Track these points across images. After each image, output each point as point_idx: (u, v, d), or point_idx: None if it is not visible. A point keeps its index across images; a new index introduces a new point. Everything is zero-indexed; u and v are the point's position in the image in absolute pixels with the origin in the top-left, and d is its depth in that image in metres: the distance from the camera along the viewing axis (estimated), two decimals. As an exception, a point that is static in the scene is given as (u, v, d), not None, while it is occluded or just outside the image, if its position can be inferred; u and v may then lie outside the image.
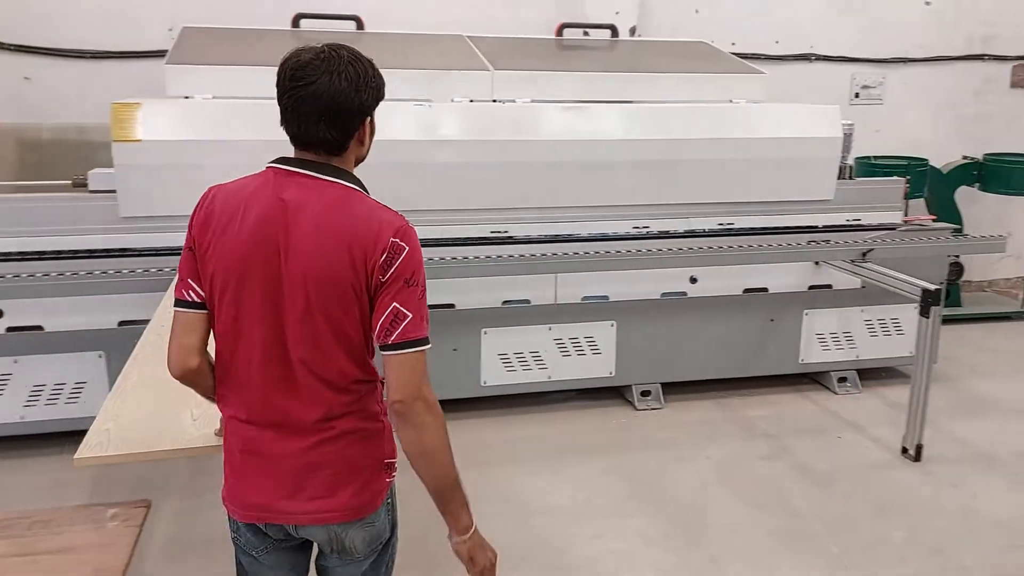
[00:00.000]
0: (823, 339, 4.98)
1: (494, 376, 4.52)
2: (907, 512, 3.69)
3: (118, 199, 3.88)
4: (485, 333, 4.45)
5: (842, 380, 5.05)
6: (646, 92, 4.78)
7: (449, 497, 1.73)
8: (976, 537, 3.50)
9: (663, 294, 4.64)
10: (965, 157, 6.65)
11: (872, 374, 5.16)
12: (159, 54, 4.98)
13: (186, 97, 4.11)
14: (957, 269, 6.33)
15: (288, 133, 1.72)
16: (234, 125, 3.93)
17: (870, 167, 6.21)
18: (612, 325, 4.63)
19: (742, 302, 4.79)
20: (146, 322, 3.92)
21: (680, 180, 4.57)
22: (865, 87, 6.69)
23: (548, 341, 4.55)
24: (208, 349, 1.80)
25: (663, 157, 4.50)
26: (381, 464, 1.80)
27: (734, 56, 5.47)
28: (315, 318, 1.66)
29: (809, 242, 4.69)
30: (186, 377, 1.76)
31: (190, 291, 1.74)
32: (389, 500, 1.85)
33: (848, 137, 4.82)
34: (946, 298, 6.42)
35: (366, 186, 1.76)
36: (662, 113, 4.56)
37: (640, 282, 4.56)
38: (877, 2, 6.57)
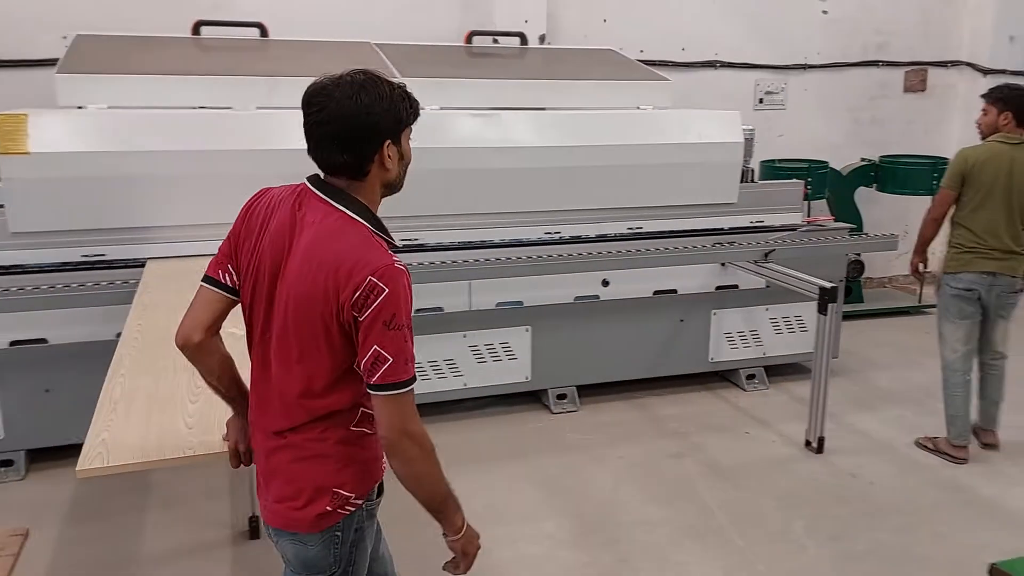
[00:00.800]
0: (731, 338, 5.12)
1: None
2: (809, 502, 3.83)
3: (7, 214, 3.73)
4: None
5: (750, 377, 5.20)
6: (555, 99, 4.85)
7: (441, 508, 1.83)
8: (872, 523, 3.66)
9: (576, 298, 4.70)
10: (863, 159, 6.96)
11: (779, 370, 5.33)
12: (53, 63, 4.81)
13: (79, 107, 3.97)
14: (858, 267, 6.59)
15: (313, 159, 1.76)
16: (130, 136, 3.83)
17: (774, 170, 6.43)
18: (527, 330, 4.67)
19: (653, 304, 4.89)
20: (42, 341, 3.83)
21: (590, 185, 4.64)
22: (768, 93, 6.92)
23: (463, 349, 4.56)
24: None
25: (573, 163, 4.56)
26: (326, 490, 1.80)
27: (641, 64, 5.59)
28: (289, 337, 1.73)
29: (715, 244, 4.82)
30: (187, 348, 1.83)
31: (227, 275, 1.83)
32: (337, 532, 1.83)
33: (750, 142, 4.98)
34: (848, 295, 6.72)
35: (381, 222, 1.77)
36: (571, 120, 4.63)
37: (553, 287, 4.61)
38: (778, 11, 6.81)
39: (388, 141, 1.73)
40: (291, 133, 4.05)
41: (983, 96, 4.29)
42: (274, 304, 1.76)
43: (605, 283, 4.73)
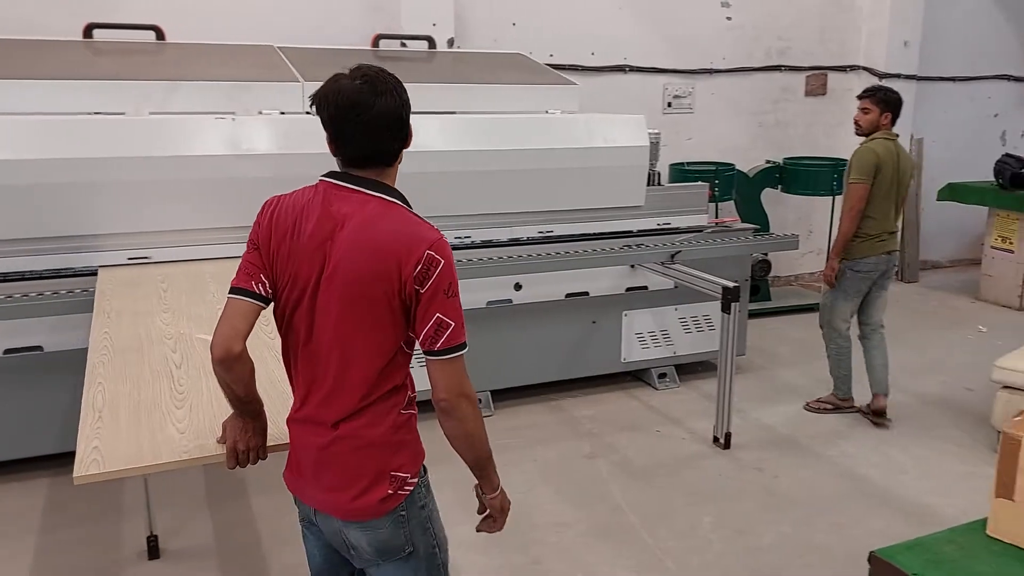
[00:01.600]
0: (642, 338, 5.21)
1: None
2: (716, 498, 3.91)
3: None
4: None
5: (662, 376, 5.30)
6: (463, 103, 4.85)
7: (485, 466, 1.94)
8: (776, 516, 3.76)
9: (489, 302, 4.70)
10: (768, 161, 7.17)
11: (689, 368, 5.44)
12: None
13: (-41, 114, 3.78)
14: (765, 266, 6.78)
15: (346, 155, 1.83)
16: (15, 143, 3.66)
17: (683, 172, 6.57)
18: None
19: (565, 306, 4.93)
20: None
21: (500, 190, 4.65)
22: (676, 97, 7.06)
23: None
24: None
25: (482, 168, 4.56)
26: (385, 475, 1.86)
27: (550, 68, 5.63)
28: (347, 323, 1.78)
29: (624, 247, 4.89)
30: (227, 360, 1.82)
31: (259, 284, 1.85)
32: (402, 513, 1.90)
33: (655, 145, 5.07)
34: (756, 293, 6.92)
35: (408, 201, 1.87)
36: (479, 124, 4.63)
37: (465, 291, 4.51)
38: (684, 16, 6.96)
39: (409, 123, 1.87)
40: (188, 139, 4.06)
41: (865, 95, 4.57)
42: (323, 300, 1.80)
43: (518, 287, 4.74)
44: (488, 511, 2.02)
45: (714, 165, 6.64)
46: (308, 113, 4.52)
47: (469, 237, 4.67)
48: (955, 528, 2.00)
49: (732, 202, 6.98)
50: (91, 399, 2.36)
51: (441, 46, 5.88)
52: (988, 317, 6.89)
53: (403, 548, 1.93)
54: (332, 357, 1.82)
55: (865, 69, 7.65)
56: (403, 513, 1.90)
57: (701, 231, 5.23)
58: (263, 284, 1.85)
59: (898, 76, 7.55)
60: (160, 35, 5.03)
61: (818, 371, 5.45)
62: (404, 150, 1.88)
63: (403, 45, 5.77)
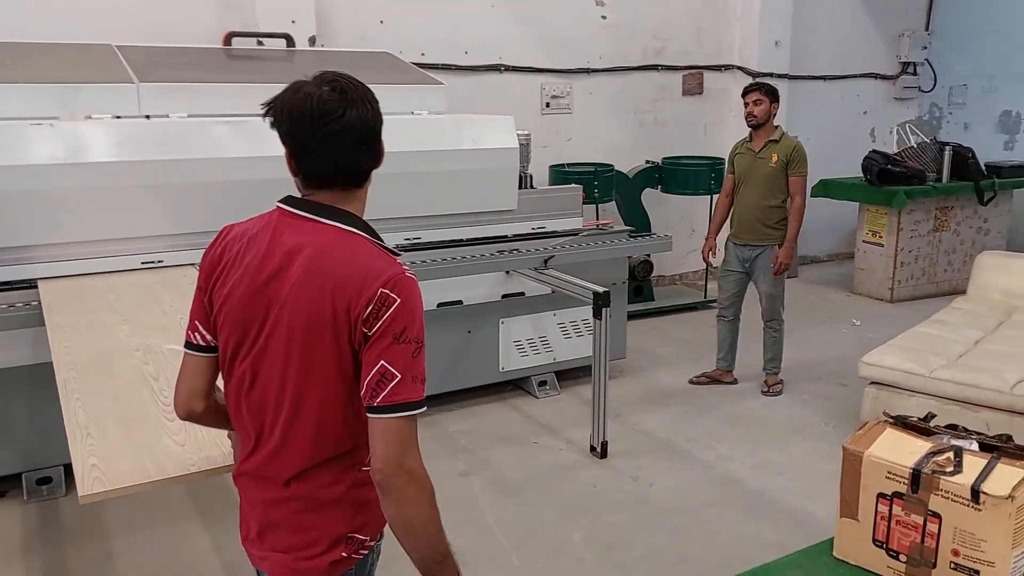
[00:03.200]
0: (520, 345, 5.04)
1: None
2: (589, 511, 3.78)
3: None
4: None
5: (542, 384, 5.15)
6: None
7: (437, 569, 1.58)
8: (648, 526, 3.65)
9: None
10: (648, 161, 7.14)
11: (571, 374, 5.31)
12: None
13: None
14: (647, 267, 6.74)
15: (307, 173, 1.62)
16: None
17: (563, 174, 6.45)
18: (299, 353, 4.35)
19: (438, 317, 4.71)
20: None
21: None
22: (555, 97, 6.95)
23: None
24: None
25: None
26: (342, 537, 1.67)
27: (417, 67, 5.41)
28: (295, 371, 1.58)
29: (497, 252, 4.72)
30: (191, 419, 1.77)
31: (196, 334, 1.71)
32: None
33: (526, 147, 4.92)
34: (640, 294, 6.88)
35: (375, 231, 1.65)
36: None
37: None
38: (559, 16, 6.85)
39: (381, 139, 1.67)
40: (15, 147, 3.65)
41: (753, 88, 4.89)
42: (267, 344, 1.60)
43: (385, 297, 4.49)
44: None
45: (593, 166, 6.55)
46: (148, 117, 4.22)
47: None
48: (802, 551, 1.89)
49: (614, 203, 6.94)
50: (73, 416, 2.28)
51: (302, 44, 5.58)
52: (862, 310, 7.05)
53: None
54: (281, 408, 1.61)
55: (739, 68, 7.73)
56: None
57: (577, 234, 5.10)
58: (200, 333, 1.70)
59: (771, 75, 7.63)
60: (-19, 33, 4.56)
61: (697, 370, 5.42)
62: (374, 170, 1.66)
63: (259, 44, 5.43)
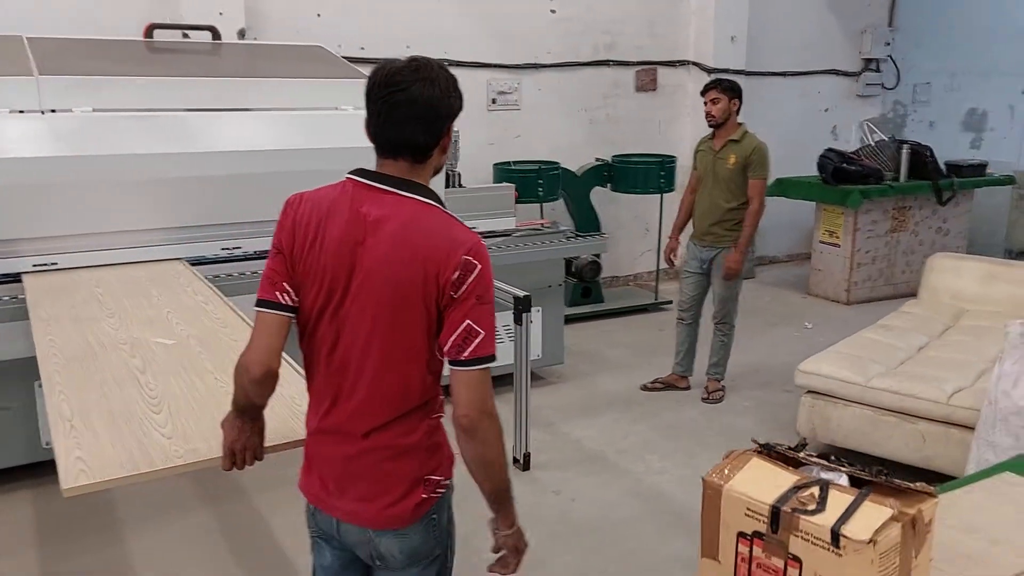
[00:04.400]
0: (451, 351, 4.83)
1: (62, 435, 3.84)
2: (505, 529, 3.57)
3: None
4: (40, 387, 3.77)
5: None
6: (232, 98, 4.32)
7: (504, 499, 1.83)
8: (564, 544, 3.46)
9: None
10: (597, 159, 6.95)
11: (506, 380, 5.10)
12: None
13: None
14: (594, 267, 6.55)
15: (377, 140, 1.75)
16: None
17: (507, 173, 6.25)
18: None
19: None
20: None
21: (263, 196, 4.15)
22: (501, 93, 6.74)
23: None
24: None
25: (244, 170, 4.07)
26: (420, 480, 1.80)
27: (346, 61, 5.18)
28: (383, 330, 1.71)
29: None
30: (265, 377, 1.76)
31: (284, 295, 1.76)
32: (434, 516, 1.85)
33: (454, 143, 4.70)
34: (588, 295, 6.69)
35: (443, 200, 1.78)
36: (229, 122, 4.13)
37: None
38: (506, 10, 6.64)
39: (450, 126, 1.77)
40: None
41: (710, 87, 4.72)
42: (352, 307, 1.72)
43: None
44: (500, 547, 1.87)
45: (537, 164, 6.35)
46: (44, 112, 3.98)
47: (240, 248, 4.17)
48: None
49: (562, 203, 6.75)
50: (57, 408, 2.27)
51: (230, 37, 5.35)
52: (817, 312, 6.89)
53: (433, 552, 1.88)
54: (365, 366, 1.74)
55: (695, 64, 7.55)
56: (435, 516, 1.86)
57: (509, 235, 4.90)
58: (288, 293, 1.76)
59: (726, 71, 7.45)
60: None
61: (639, 377, 5.24)
62: (439, 150, 1.77)
63: (185, 36, 5.20)
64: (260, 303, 1.77)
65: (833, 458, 1.62)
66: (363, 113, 4.63)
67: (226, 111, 4.21)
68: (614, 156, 6.89)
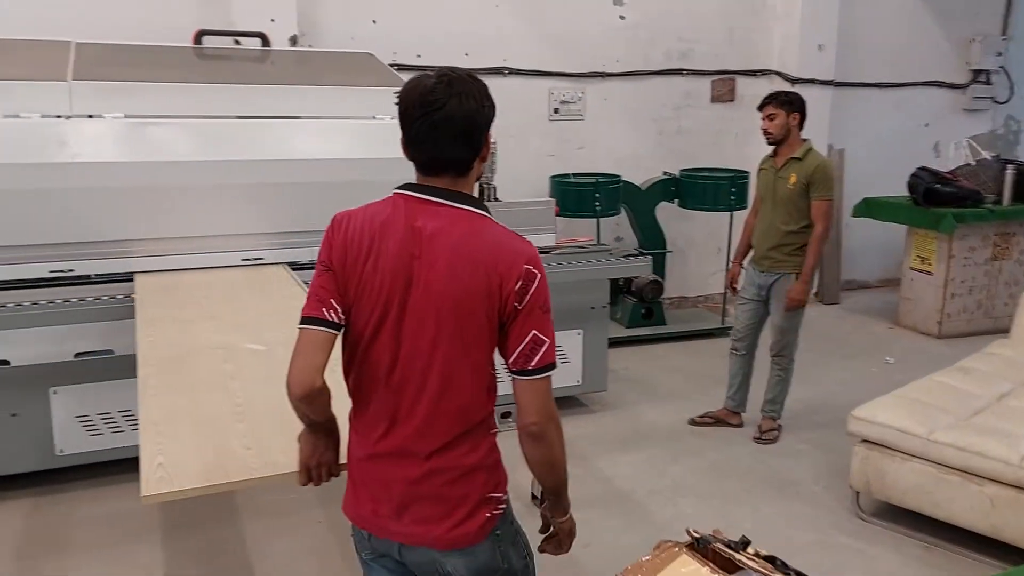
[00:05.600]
0: (484, 373, 4.60)
1: (74, 443, 3.82)
2: (506, 574, 3.30)
3: None
4: (55, 393, 3.75)
5: (505, 416, 4.65)
6: (272, 107, 4.24)
7: (562, 491, 1.89)
8: (567, 599, 3.15)
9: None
10: (665, 173, 6.58)
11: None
12: None
13: None
14: (655, 287, 6.20)
15: (418, 160, 1.74)
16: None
17: (563, 186, 5.99)
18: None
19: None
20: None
21: (287, 206, 4.04)
22: (564, 102, 6.46)
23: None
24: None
25: (268, 179, 3.96)
26: (484, 498, 1.80)
27: (391, 69, 5.03)
28: (445, 346, 1.69)
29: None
30: (308, 396, 1.73)
31: (331, 311, 1.73)
32: (498, 532, 1.84)
33: (491, 154, 4.46)
34: (650, 317, 6.33)
35: (490, 211, 1.77)
36: (253, 130, 4.03)
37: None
38: (571, 16, 6.37)
39: (488, 134, 1.76)
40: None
41: (767, 102, 4.37)
42: (410, 323, 1.71)
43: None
44: (553, 531, 1.95)
45: (595, 177, 6.05)
46: (61, 117, 3.97)
47: (261, 259, 4.06)
48: None
49: (624, 218, 6.43)
50: (148, 412, 2.28)
51: (282, 44, 5.29)
52: (902, 345, 6.30)
53: (500, 567, 1.86)
54: (426, 384, 1.72)
55: (777, 74, 7.07)
56: (499, 532, 1.84)
57: (548, 252, 4.62)
58: (335, 310, 1.73)
59: (812, 81, 6.97)
60: (-64, 28, 4.43)
61: (688, 408, 4.87)
62: (479, 160, 1.76)
63: (237, 43, 5.17)
64: (305, 320, 1.74)
65: (780, 562, 1.29)
66: (385, 123, 4.41)
67: (255, 119, 4.11)
68: (682, 170, 6.51)
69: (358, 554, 1.96)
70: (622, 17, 6.55)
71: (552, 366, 1.72)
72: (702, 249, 7.15)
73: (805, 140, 4.36)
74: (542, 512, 1.95)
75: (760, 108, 4.38)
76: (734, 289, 4.79)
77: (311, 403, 1.77)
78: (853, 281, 7.98)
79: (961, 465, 3.31)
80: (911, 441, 3.46)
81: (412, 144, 1.72)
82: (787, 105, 4.27)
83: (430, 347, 1.70)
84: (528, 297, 1.68)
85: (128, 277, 3.78)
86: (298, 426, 1.88)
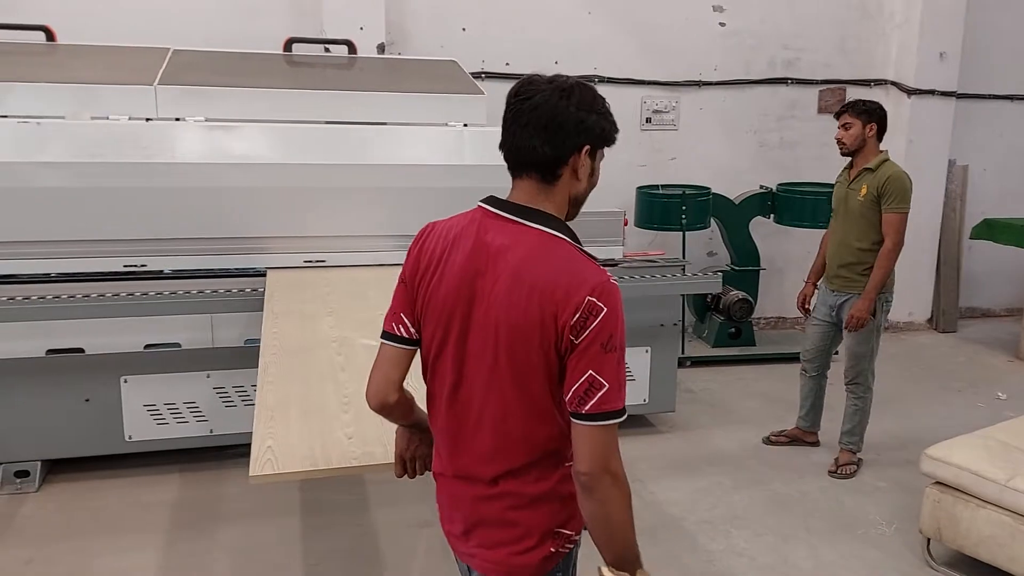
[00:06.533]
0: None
1: (141, 430, 4.00)
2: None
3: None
4: (125, 381, 3.95)
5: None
6: (332, 112, 4.32)
7: (626, 562, 1.64)
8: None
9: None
10: (761, 187, 6.29)
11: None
12: None
13: None
14: (745, 305, 5.92)
15: (504, 154, 1.66)
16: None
17: (649, 197, 5.82)
18: (287, 371, 4.14)
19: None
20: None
21: (351, 210, 4.09)
22: (657, 111, 6.29)
23: (207, 390, 4.05)
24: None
25: (323, 184, 4.03)
26: (550, 532, 1.71)
27: (471, 78, 5.02)
28: (502, 371, 1.61)
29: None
30: (383, 410, 1.79)
31: (400, 326, 1.74)
32: (558, 574, 1.75)
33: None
34: (738, 336, 6.06)
35: (577, 235, 1.66)
36: (318, 135, 4.11)
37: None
38: (667, 23, 6.20)
39: (587, 147, 1.62)
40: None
41: (843, 110, 4.13)
42: (473, 343, 1.64)
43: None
44: None
45: (682, 189, 5.84)
46: (178, 119, 4.18)
47: (323, 261, 4.13)
48: None
49: (716, 232, 6.17)
50: (264, 398, 2.41)
51: (369, 52, 5.40)
52: (1021, 381, 5.74)
53: None
54: (487, 409, 1.64)
55: (893, 84, 6.62)
56: (559, 574, 1.75)
57: (614, 265, 4.49)
58: (404, 325, 1.73)
59: (932, 93, 6.49)
60: (50, 36, 4.78)
61: (761, 433, 4.61)
62: (570, 172, 1.62)
63: (327, 50, 5.32)
64: (383, 334, 1.75)
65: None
66: (442, 129, 4.41)
67: (324, 124, 4.21)
68: (779, 184, 6.19)
69: None
70: (722, 24, 6.32)
71: (614, 414, 1.53)
72: (801, 268, 6.68)
73: (882, 151, 4.08)
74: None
75: (836, 116, 4.15)
76: (806, 311, 4.53)
77: (388, 415, 1.80)
78: (975, 309, 7.37)
79: (1043, 518, 2.96)
80: (987, 486, 3.11)
81: (502, 137, 1.65)
82: (865, 115, 4.03)
83: (489, 371, 1.62)
84: (588, 332, 1.52)
85: (260, 272, 3.98)
86: None
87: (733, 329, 6.06)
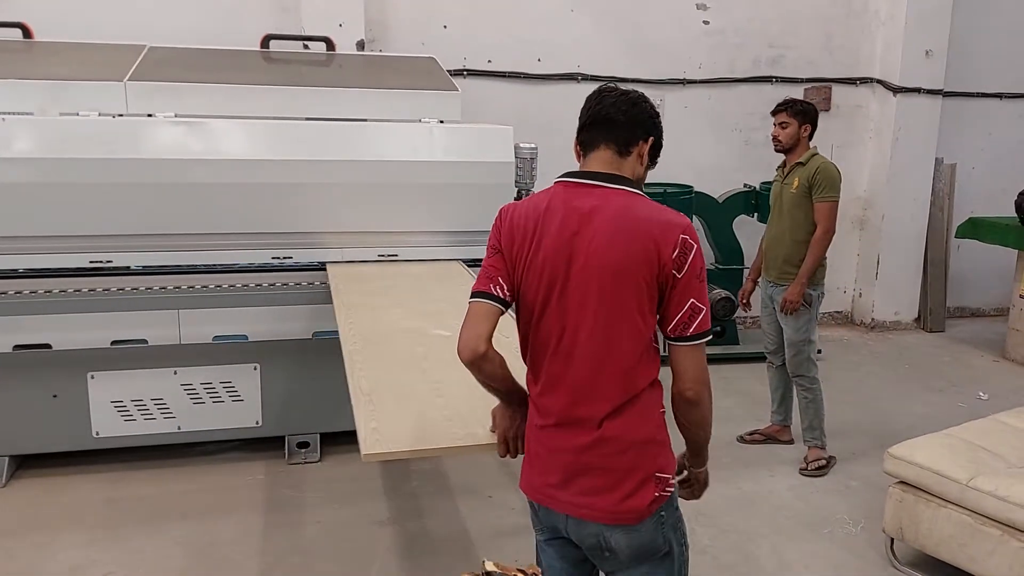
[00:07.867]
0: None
1: (109, 427, 4.01)
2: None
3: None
4: (92, 377, 3.95)
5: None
6: (308, 107, 4.33)
7: (706, 445, 1.99)
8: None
9: (315, 333, 4.13)
10: (745, 185, 6.25)
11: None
12: None
13: None
14: (728, 304, 5.88)
15: (586, 125, 1.91)
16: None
17: (631, 195, 5.79)
18: (255, 368, 4.14)
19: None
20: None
21: (326, 206, 4.07)
22: (640, 110, 6.25)
23: (174, 387, 4.06)
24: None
25: (299, 179, 4.01)
26: (651, 476, 1.84)
27: (447, 75, 5.01)
28: (604, 315, 1.79)
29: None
30: (474, 361, 1.86)
31: (498, 287, 1.88)
32: (663, 514, 1.88)
33: (530, 160, 4.36)
34: (721, 335, 6.02)
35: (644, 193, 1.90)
36: (297, 130, 4.07)
37: (286, 320, 4.07)
38: (650, 20, 6.18)
39: (651, 139, 1.90)
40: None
41: (781, 108, 4.23)
42: (573, 295, 1.82)
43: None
44: (689, 478, 2.05)
45: (663, 187, 5.81)
46: (131, 116, 4.19)
47: (290, 258, 4.11)
48: None
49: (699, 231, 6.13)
50: (357, 384, 2.48)
51: (348, 48, 5.40)
52: (1003, 381, 5.70)
53: (660, 549, 1.90)
54: (591, 351, 1.81)
55: (879, 82, 6.58)
56: (663, 514, 1.88)
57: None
58: (502, 287, 1.88)
59: (918, 91, 6.46)
60: (27, 33, 4.79)
61: (742, 428, 4.59)
62: (636, 156, 1.88)
63: (305, 47, 5.31)
64: (475, 295, 1.88)
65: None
66: (424, 126, 4.34)
67: (294, 119, 4.19)
68: (763, 183, 6.16)
69: (535, 533, 2.06)
70: (706, 22, 6.29)
71: (708, 333, 1.81)
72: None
73: (812, 147, 4.23)
74: (680, 460, 2.01)
75: (773, 113, 4.24)
76: (745, 307, 4.66)
77: (479, 368, 1.86)
78: (965, 308, 7.33)
79: (1002, 517, 2.91)
80: (948, 486, 3.08)
81: (582, 124, 1.90)
82: (801, 115, 4.16)
83: (593, 317, 1.79)
84: (687, 266, 1.76)
85: (228, 268, 4.01)
86: (490, 404, 2.03)
87: (717, 328, 6.02)
